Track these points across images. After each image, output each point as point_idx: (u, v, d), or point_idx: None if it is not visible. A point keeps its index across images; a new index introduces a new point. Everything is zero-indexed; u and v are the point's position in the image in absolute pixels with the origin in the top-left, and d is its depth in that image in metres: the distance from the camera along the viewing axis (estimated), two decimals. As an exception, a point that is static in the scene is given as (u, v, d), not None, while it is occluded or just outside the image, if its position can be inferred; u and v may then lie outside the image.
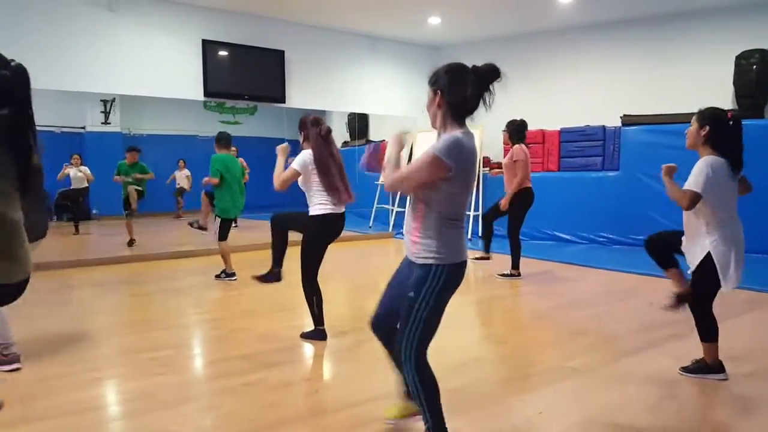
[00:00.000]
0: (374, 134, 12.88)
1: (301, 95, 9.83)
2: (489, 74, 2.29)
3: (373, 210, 11.26)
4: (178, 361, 3.82)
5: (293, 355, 4.00)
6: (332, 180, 3.91)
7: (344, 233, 4.22)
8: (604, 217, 8.60)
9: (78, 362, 3.68)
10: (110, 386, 3.35)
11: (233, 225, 6.69)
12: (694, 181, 3.18)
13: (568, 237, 8.87)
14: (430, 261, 2.28)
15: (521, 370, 3.56)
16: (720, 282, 3.21)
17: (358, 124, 12.90)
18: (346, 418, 2.88)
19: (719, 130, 3.26)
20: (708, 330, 3.36)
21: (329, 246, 4.09)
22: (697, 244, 3.31)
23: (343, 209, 4.06)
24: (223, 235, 6.27)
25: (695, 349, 3.91)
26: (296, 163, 3.94)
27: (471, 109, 2.28)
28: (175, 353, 3.95)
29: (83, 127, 12.62)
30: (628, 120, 8.70)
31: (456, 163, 2.17)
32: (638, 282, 6.15)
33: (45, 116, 12.40)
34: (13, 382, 3.24)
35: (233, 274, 6.31)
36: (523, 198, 6.22)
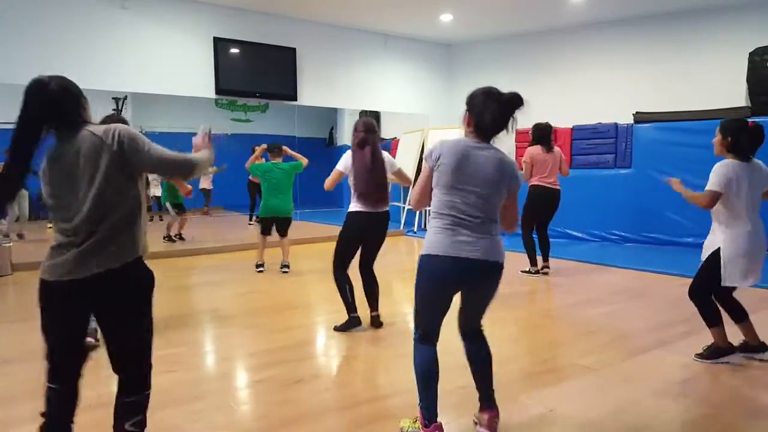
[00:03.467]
0: (386, 132, 12.86)
1: (312, 93, 9.85)
2: (511, 102, 2.48)
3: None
4: (191, 358, 3.84)
5: (305, 353, 4.01)
6: (359, 183, 4.13)
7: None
8: (616, 215, 8.55)
9: (91, 359, 3.70)
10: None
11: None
12: (715, 181, 3.37)
13: (580, 235, 8.82)
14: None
15: (533, 368, 3.55)
16: (722, 278, 3.42)
17: (370, 121, 12.89)
18: (358, 415, 2.88)
19: (742, 139, 3.43)
20: (710, 316, 3.56)
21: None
22: (712, 239, 3.52)
23: (380, 209, 4.20)
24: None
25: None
26: (339, 164, 4.24)
27: (491, 130, 2.49)
28: (188, 350, 3.97)
29: (95, 125, 12.68)
30: (640, 117, 8.63)
31: (434, 161, 2.47)
32: (651, 280, 6.12)
33: (58, 114, 12.55)
34: (25, 378, 3.26)
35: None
36: (529, 196, 6.42)
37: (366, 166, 4.09)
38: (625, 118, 8.77)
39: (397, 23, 10.00)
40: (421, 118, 11.22)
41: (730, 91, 8.25)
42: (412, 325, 4.74)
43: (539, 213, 6.54)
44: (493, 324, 4.77)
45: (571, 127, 9.15)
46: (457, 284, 2.57)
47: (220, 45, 8.75)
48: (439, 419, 2.57)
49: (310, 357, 3.98)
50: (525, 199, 6.34)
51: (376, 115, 12.71)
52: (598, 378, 3.41)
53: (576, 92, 9.91)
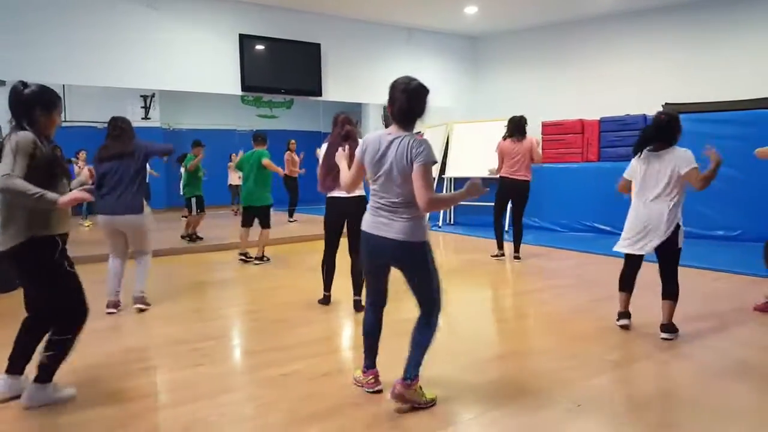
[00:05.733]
0: (410, 126, 12.82)
1: (336, 88, 9.86)
2: (416, 90, 2.80)
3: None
4: (218, 352, 3.89)
5: (329, 347, 4.03)
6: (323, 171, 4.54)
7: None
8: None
9: (120, 353, 3.78)
10: (152, 376, 3.42)
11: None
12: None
13: (608, 228, 8.69)
14: None
15: (560, 363, 3.52)
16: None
17: (394, 115, 12.86)
18: (384, 409, 2.89)
19: None
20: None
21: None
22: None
23: (352, 194, 4.33)
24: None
25: (737, 342, 3.83)
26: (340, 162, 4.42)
27: (405, 118, 2.79)
28: (216, 344, 4.02)
29: (124, 123, 12.88)
30: (670, 109, 8.46)
31: (361, 154, 2.87)
32: (681, 274, 5.97)
33: (87, 112, 12.77)
34: (58, 371, 3.33)
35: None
36: (498, 188, 7.02)
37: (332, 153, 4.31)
38: (655, 110, 8.58)
39: (421, 17, 9.96)
40: (445, 111, 11.16)
41: (763, 81, 8.04)
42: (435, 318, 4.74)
43: (507, 203, 7.12)
44: (520, 319, 4.75)
45: (598, 119, 9.03)
46: (380, 258, 2.89)
47: (245, 42, 8.81)
48: (465, 413, 2.73)
49: (335, 351, 4.00)
50: (495, 190, 6.93)
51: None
52: (625, 373, 3.37)
53: (603, 83, 9.77)
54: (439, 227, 10.13)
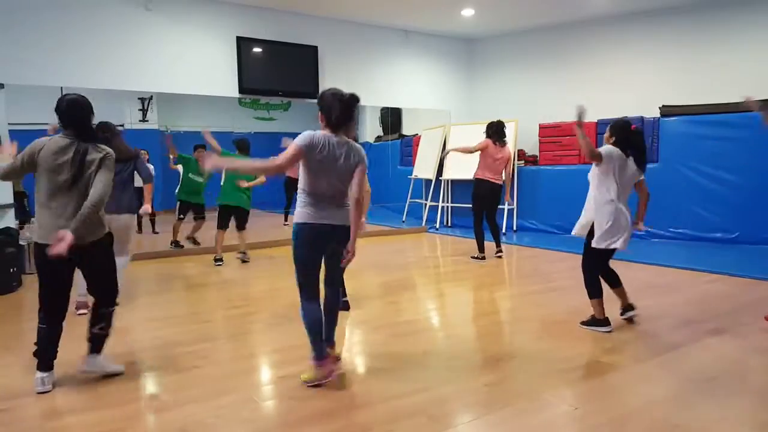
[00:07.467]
0: (407, 128, 12.85)
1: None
2: (350, 101, 3.24)
3: (407, 204, 11.25)
4: (216, 354, 3.88)
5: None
6: None
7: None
8: (642, 210, 8.42)
9: (117, 355, 3.77)
10: (149, 378, 3.42)
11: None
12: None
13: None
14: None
15: (557, 365, 3.52)
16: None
17: (391, 118, 12.88)
18: (381, 411, 2.89)
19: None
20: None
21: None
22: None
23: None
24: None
25: (735, 344, 3.84)
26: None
27: (338, 125, 3.18)
28: (213, 346, 4.02)
29: (122, 125, 12.89)
30: (667, 111, 8.48)
31: (306, 149, 3.05)
32: (678, 276, 6.03)
33: (86, 115, 12.67)
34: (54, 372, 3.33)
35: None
36: (474, 188, 7.23)
37: None
38: (652, 112, 8.63)
39: (417, 18, 9.96)
40: (442, 113, 11.17)
41: (759, 84, 8.03)
42: (435, 322, 4.75)
43: (485, 204, 7.23)
44: (516, 321, 4.75)
45: (596, 121, 9.04)
46: (327, 244, 3.22)
47: (242, 44, 8.81)
48: (461, 416, 2.72)
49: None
50: (472, 191, 7.19)
51: (397, 111, 12.72)
52: (623, 375, 3.37)
53: (600, 86, 9.77)
54: (436, 229, 10.13)
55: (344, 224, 3.18)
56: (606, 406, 2.95)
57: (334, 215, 3.14)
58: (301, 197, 3.15)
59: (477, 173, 7.15)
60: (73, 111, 3.21)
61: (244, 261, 7.33)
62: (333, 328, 3.43)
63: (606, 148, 4.11)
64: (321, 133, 3.11)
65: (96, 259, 3.28)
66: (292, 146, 3.04)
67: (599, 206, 4.13)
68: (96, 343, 3.34)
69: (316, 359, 3.19)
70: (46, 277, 3.19)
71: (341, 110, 3.14)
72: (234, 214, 7.20)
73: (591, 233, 4.19)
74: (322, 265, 3.32)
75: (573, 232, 4.38)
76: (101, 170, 3.17)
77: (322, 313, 3.29)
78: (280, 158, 3.06)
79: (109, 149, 3.28)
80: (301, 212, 3.14)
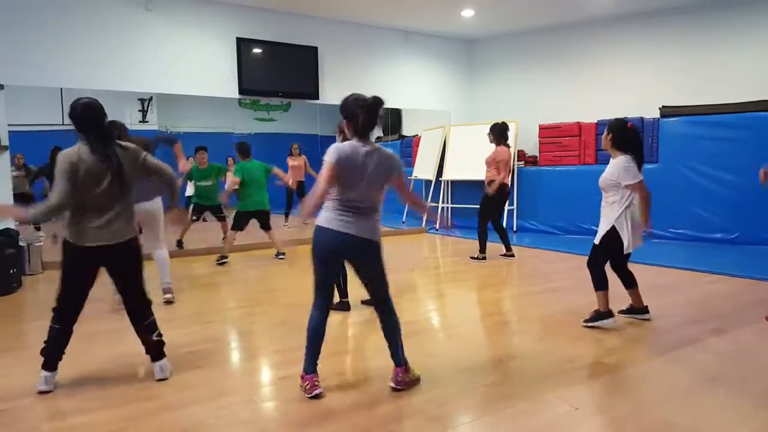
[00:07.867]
0: (407, 129, 12.84)
1: (334, 91, 9.85)
2: (374, 105, 3.08)
3: (406, 206, 11.24)
4: (217, 354, 3.88)
5: (329, 351, 4.02)
6: None
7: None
8: (642, 211, 8.42)
9: (119, 355, 3.77)
10: (150, 379, 3.42)
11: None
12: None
13: (605, 231, 8.71)
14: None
15: (558, 366, 3.52)
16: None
17: (391, 119, 12.87)
18: (383, 413, 2.89)
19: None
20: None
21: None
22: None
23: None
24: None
25: (735, 344, 3.84)
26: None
27: (365, 131, 3.05)
28: (214, 347, 4.02)
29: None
30: (666, 111, 8.48)
31: (334, 162, 2.93)
32: (678, 276, 6.03)
33: (86, 116, 12.67)
34: (57, 369, 3.33)
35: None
36: (500, 193, 7.11)
37: None
38: (652, 112, 8.63)
39: (417, 19, 9.97)
40: (442, 114, 11.17)
41: (760, 85, 8.06)
42: (435, 323, 4.75)
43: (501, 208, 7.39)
44: (517, 321, 4.75)
45: (596, 121, 9.05)
46: (338, 257, 3.15)
47: (242, 45, 8.82)
48: (462, 416, 2.71)
49: (335, 354, 3.99)
50: (496, 195, 7.05)
51: (397, 112, 12.72)
52: (623, 376, 3.37)
53: (600, 86, 9.78)
54: (437, 230, 10.13)
55: (367, 237, 3.02)
56: (606, 406, 2.95)
57: (359, 226, 2.99)
58: (328, 203, 3.02)
59: (503, 178, 7.01)
60: (91, 114, 3.20)
61: (281, 259, 7.46)
62: (396, 349, 3.16)
63: (634, 171, 4.13)
64: (348, 144, 3.01)
65: (125, 259, 3.28)
66: (324, 166, 2.94)
67: (615, 212, 4.28)
68: (160, 350, 3.40)
69: (303, 371, 3.10)
70: (72, 278, 3.18)
71: (366, 115, 3.04)
72: (255, 217, 7.23)
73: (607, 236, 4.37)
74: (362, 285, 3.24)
75: (626, 251, 4.37)
76: (147, 158, 3.31)
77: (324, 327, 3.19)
78: (321, 182, 2.93)
79: (132, 144, 3.33)
80: (324, 216, 3.03)
